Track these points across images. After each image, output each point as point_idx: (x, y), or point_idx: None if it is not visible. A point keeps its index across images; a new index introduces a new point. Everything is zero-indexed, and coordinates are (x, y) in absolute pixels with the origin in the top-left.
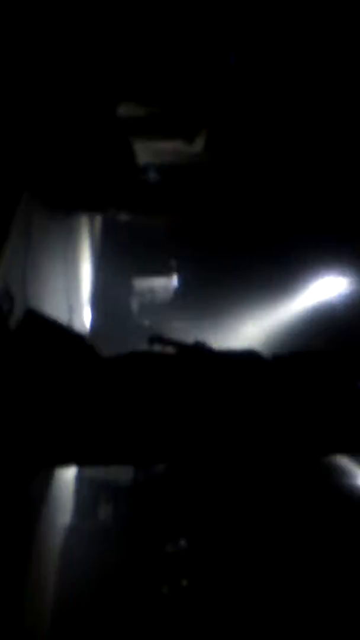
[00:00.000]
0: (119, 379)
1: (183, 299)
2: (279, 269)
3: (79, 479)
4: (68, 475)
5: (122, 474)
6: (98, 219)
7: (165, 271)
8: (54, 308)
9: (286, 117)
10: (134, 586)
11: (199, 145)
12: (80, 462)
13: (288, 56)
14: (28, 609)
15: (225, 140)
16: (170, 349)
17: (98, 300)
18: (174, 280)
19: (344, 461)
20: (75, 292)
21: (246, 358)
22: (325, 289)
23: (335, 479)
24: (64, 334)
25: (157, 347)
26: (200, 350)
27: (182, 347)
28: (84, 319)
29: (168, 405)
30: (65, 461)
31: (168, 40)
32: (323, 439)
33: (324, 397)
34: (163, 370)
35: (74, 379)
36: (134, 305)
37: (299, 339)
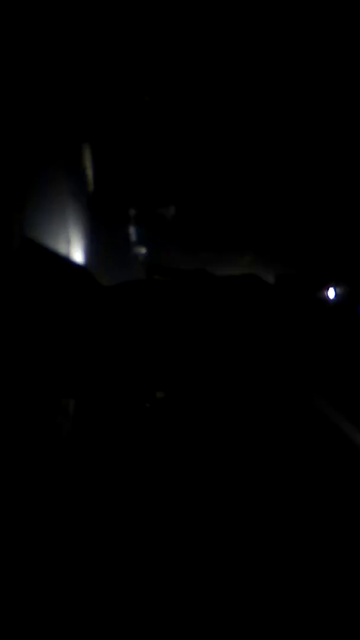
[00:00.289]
0: (121, 307)
1: (182, 227)
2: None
3: None
4: None
5: None
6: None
7: (163, 199)
8: (52, 237)
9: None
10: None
11: None
12: (83, 393)
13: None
14: None
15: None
16: (169, 278)
17: (95, 230)
18: (172, 209)
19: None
20: (73, 222)
21: (247, 282)
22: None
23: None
24: (61, 263)
25: (156, 277)
26: (200, 277)
27: (181, 274)
28: (82, 249)
29: (170, 331)
30: (70, 393)
31: None
32: (319, 363)
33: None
34: (163, 298)
35: (74, 308)
36: (132, 234)
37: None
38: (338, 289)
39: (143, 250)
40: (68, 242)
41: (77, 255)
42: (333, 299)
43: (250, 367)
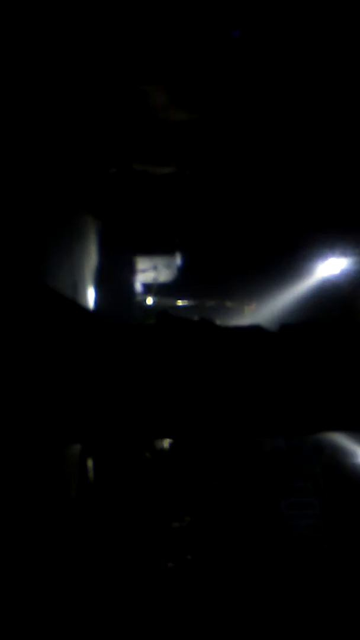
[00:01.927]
0: (128, 353)
1: (187, 277)
2: (284, 250)
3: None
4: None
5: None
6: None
7: (168, 249)
8: (59, 284)
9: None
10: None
11: None
12: (88, 439)
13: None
14: None
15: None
16: (177, 327)
17: (102, 279)
18: (177, 259)
19: (346, 441)
20: (79, 271)
21: (252, 333)
22: (328, 268)
23: (338, 458)
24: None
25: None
26: (206, 327)
27: (188, 324)
28: (89, 297)
29: (176, 379)
30: (75, 439)
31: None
32: (326, 411)
33: (329, 368)
34: (171, 345)
35: (80, 353)
36: (138, 284)
37: (304, 317)
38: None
39: (149, 300)
40: (75, 287)
41: (84, 300)
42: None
43: (253, 418)
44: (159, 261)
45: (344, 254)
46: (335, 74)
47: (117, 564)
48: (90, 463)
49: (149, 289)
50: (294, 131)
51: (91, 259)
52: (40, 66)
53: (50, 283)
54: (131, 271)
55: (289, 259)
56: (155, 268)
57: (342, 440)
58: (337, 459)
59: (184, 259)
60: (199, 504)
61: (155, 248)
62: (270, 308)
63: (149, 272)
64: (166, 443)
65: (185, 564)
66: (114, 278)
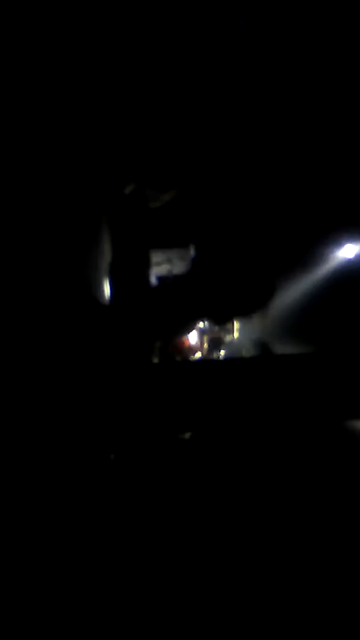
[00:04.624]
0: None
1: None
2: (299, 237)
3: None
4: None
5: None
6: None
7: (182, 242)
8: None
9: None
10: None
11: None
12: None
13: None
14: None
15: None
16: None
17: (116, 274)
18: (191, 251)
19: None
20: (93, 267)
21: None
22: (345, 254)
23: None
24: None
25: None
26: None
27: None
28: (104, 292)
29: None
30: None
31: None
32: None
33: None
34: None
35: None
36: (152, 277)
37: (322, 306)
38: None
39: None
40: (91, 281)
41: (99, 296)
42: None
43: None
44: (173, 254)
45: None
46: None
47: (129, 561)
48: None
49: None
50: (306, 118)
51: (105, 253)
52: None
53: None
54: (146, 264)
55: (305, 245)
56: (169, 261)
57: None
58: None
59: (198, 251)
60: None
61: (169, 241)
62: (287, 297)
63: (164, 264)
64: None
65: (195, 563)
66: (128, 272)
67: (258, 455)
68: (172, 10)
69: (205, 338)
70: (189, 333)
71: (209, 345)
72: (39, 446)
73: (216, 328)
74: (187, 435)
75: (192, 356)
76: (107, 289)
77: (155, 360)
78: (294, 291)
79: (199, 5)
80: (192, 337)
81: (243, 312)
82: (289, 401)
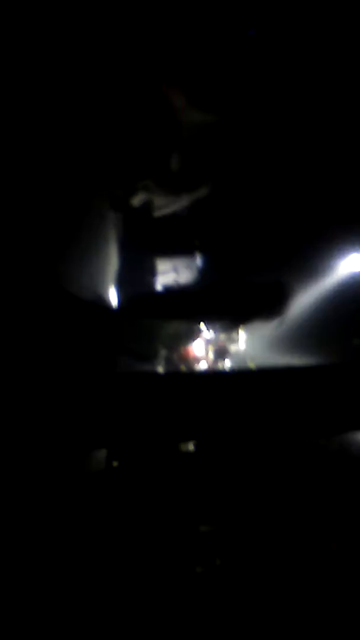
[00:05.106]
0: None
1: (207, 278)
2: (305, 248)
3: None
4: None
5: None
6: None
7: (188, 250)
8: (81, 287)
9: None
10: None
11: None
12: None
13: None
14: None
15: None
16: None
17: (123, 282)
18: (198, 260)
19: None
20: (100, 274)
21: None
22: (351, 264)
23: None
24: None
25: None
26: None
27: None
28: (111, 299)
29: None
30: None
31: None
32: None
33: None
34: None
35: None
36: (159, 285)
37: (331, 312)
38: None
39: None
40: (97, 290)
41: (106, 303)
42: None
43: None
44: (179, 262)
45: None
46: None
47: (139, 565)
48: (115, 465)
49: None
50: (312, 128)
51: (112, 261)
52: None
53: (73, 286)
54: (152, 273)
55: (310, 256)
56: (175, 269)
57: None
58: None
59: (204, 260)
60: (226, 507)
61: (175, 249)
62: (294, 306)
63: (170, 273)
64: (191, 446)
65: (213, 569)
66: (134, 280)
67: (257, 468)
68: (183, 24)
69: (211, 347)
70: (194, 342)
71: (214, 355)
72: (41, 451)
73: (222, 337)
74: (190, 446)
75: (197, 365)
76: (114, 296)
77: (161, 368)
78: (300, 302)
79: (209, 16)
80: (198, 347)
81: (250, 319)
82: (291, 416)
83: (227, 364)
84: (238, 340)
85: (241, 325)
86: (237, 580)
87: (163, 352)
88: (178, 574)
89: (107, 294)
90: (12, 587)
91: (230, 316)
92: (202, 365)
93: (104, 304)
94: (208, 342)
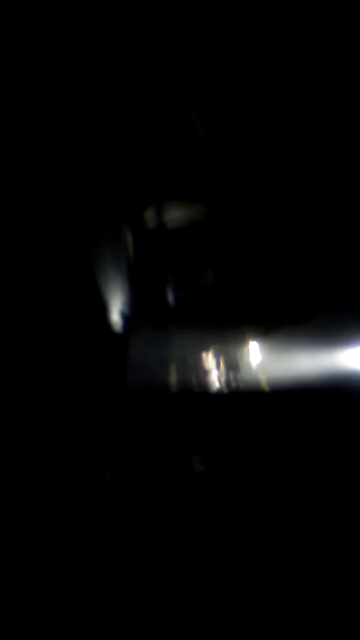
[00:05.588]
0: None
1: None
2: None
3: None
4: None
5: None
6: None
7: (201, 282)
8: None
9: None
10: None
11: None
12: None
13: None
14: None
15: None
16: None
17: (134, 312)
18: (209, 276)
19: None
20: (111, 289)
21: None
22: None
23: None
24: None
25: None
26: None
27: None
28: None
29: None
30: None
31: None
32: None
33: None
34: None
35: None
36: (170, 298)
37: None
38: None
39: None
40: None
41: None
42: None
43: None
44: (191, 275)
45: None
46: None
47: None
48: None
49: None
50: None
51: (123, 276)
52: None
53: (85, 302)
54: (164, 287)
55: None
56: (187, 282)
57: None
58: None
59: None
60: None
61: (188, 262)
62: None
63: (181, 287)
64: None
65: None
66: (145, 294)
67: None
68: (183, 34)
69: (222, 360)
70: (205, 354)
71: (225, 368)
72: (41, 458)
73: (232, 350)
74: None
75: (207, 378)
76: (127, 309)
77: (172, 381)
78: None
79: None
80: (208, 360)
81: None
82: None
83: (239, 376)
84: (249, 353)
85: (254, 337)
86: (238, 581)
87: (173, 365)
88: (178, 578)
89: (117, 309)
90: (12, 588)
91: (243, 328)
92: (213, 378)
93: (113, 319)
94: (219, 354)
